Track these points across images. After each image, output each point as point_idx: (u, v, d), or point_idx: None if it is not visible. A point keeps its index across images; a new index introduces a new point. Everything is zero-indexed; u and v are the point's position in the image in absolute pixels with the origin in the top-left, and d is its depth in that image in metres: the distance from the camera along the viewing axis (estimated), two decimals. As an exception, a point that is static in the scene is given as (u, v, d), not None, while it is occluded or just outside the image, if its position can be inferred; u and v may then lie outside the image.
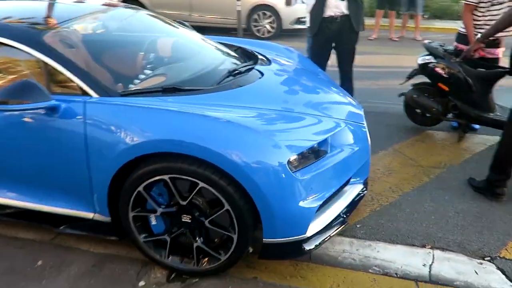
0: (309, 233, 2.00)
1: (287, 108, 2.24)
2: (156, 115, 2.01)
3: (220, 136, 1.90)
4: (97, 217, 2.15)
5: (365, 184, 2.49)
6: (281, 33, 7.99)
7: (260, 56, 2.92)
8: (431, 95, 3.63)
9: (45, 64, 2.11)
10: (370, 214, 2.67)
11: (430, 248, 2.37)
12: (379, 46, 7.51)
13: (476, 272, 2.19)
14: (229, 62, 2.73)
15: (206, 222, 1.99)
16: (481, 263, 2.25)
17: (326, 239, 2.13)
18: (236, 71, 2.52)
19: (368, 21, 9.01)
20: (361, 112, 2.57)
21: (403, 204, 2.76)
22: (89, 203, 2.13)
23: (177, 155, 1.89)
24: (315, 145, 2.09)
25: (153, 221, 2.10)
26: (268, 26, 8.01)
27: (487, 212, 2.69)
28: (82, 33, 2.49)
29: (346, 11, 3.45)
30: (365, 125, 2.49)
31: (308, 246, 2.04)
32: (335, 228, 2.19)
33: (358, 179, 2.42)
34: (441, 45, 3.62)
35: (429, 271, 2.19)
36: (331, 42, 3.62)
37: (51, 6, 2.91)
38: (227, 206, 1.90)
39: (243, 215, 1.90)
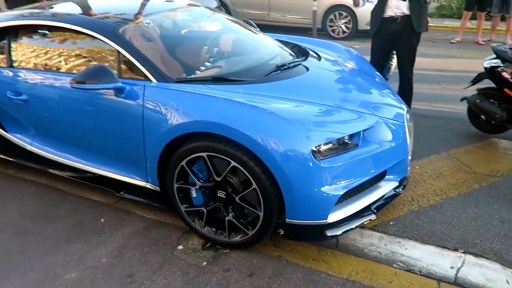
0: (331, 219, 2.12)
1: (322, 101, 2.36)
2: (203, 100, 2.27)
3: (255, 122, 2.09)
4: (149, 186, 2.49)
5: (402, 183, 2.51)
6: (356, 34, 7.92)
7: (311, 53, 3.06)
8: (496, 101, 3.44)
9: (118, 52, 2.50)
10: (407, 213, 2.67)
11: (462, 252, 2.33)
12: (461, 50, 7.10)
13: (507, 281, 2.12)
14: (280, 58, 2.92)
15: (237, 199, 2.21)
16: (515, 274, 2.17)
17: (351, 229, 2.23)
18: (284, 66, 2.69)
19: (454, 23, 8.63)
20: (404, 112, 2.58)
21: (444, 208, 2.72)
22: (143, 172, 2.47)
23: (215, 136, 2.13)
24: (345, 137, 2.20)
25: (194, 194, 2.37)
26: (343, 27, 7.99)
27: (538, 225, 2.54)
28: (154, 27, 2.85)
29: (407, 12, 3.42)
30: (406, 124, 2.51)
31: (330, 233, 2.16)
32: (362, 220, 2.28)
33: (394, 176, 2.46)
34: (510, 48, 3.41)
35: (456, 274, 2.17)
36: (390, 42, 3.61)
37: (141, 3, 3.34)
38: (254, 185, 2.10)
39: (268, 194, 2.08)
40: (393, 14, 3.47)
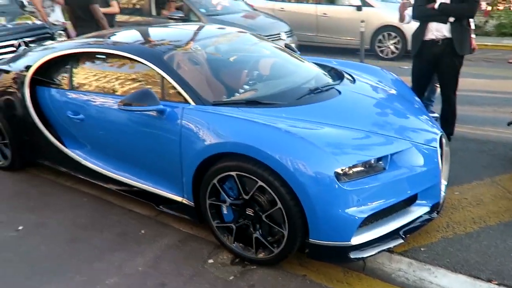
0: (355, 242, 2.15)
1: (350, 125, 2.41)
2: (235, 122, 2.41)
3: (281, 144, 2.20)
4: (185, 201, 2.66)
5: (435, 208, 2.48)
6: (405, 54, 7.78)
7: (346, 76, 3.12)
8: (546, 126, 3.27)
9: (162, 77, 2.73)
10: (440, 240, 2.61)
11: (496, 284, 2.23)
12: (519, 70, 6.73)
13: (544, 318, 2.01)
14: (315, 81, 3.01)
15: (263, 217, 2.30)
16: (554, 311, 2.05)
17: (376, 253, 2.23)
18: (316, 89, 2.78)
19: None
20: (437, 137, 2.56)
21: (482, 237, 2.62)
22: (180, 189, 2.65)
23: (245, 156, 2.25)
24: (372, 160, 2.23)
25: (225, 210, 2.50)
26: (392, 47, 7.89)
27: None
28: (199, 53, 3.06)
29: (448, 35, 3.38)
30: (439, 149, 2.48)
31: (354, 255, 2.19)
32: (389, 244, 2.28)
33: (426, 201, 2.44)
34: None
35: (487, 306, 2.10)
36: (431, 65, 3.57)
37: (195, 31, 3.62)
38: (279, 205, 2.19)
39: (292, 214, 2.16)
40: (434, 37, 3.44)
